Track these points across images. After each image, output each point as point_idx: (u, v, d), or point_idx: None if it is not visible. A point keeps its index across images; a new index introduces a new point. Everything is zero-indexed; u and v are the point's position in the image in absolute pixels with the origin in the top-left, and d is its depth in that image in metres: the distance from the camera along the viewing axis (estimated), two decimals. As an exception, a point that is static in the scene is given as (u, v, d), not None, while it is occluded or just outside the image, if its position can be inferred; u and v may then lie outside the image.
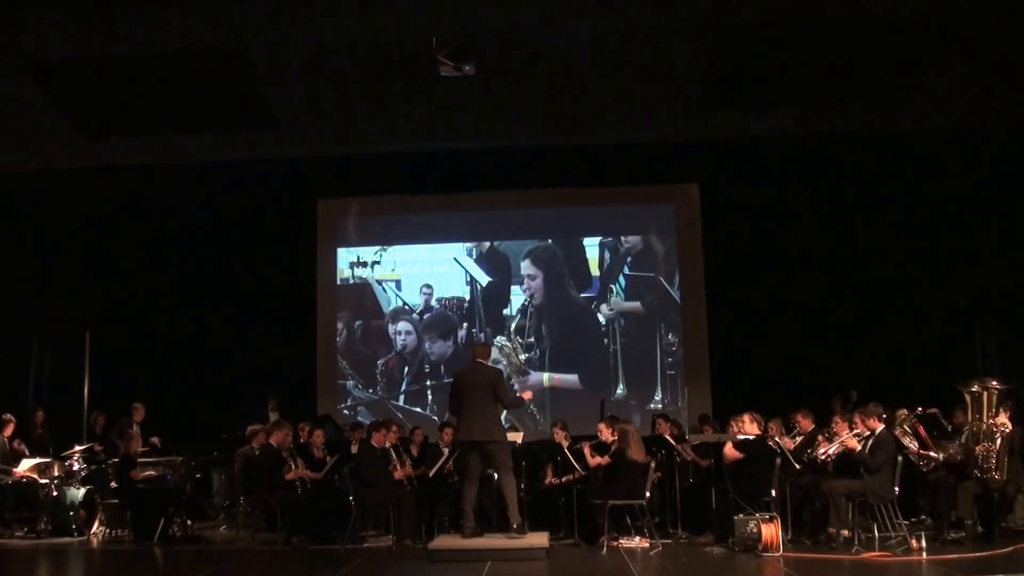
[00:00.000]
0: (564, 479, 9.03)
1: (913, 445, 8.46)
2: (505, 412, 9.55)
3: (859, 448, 7.76)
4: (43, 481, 9.46)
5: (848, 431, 8.00)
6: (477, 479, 8.03)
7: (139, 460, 9.62)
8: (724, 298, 12.20)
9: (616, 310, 12.51)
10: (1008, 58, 9.31)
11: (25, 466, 9.65)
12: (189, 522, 9.31)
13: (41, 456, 9.97)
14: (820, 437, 8.32)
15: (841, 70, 9.48)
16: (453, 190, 12.61)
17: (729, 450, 8.28)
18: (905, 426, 8.50)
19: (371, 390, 12.62)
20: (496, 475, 8.12)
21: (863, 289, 11.88)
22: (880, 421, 7.94)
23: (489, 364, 8.44)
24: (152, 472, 9.59)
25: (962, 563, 6.87)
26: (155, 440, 10.57)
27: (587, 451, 8.70)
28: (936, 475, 8.39)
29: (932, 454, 8.51)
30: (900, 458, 7.90)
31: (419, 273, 12.83)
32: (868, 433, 7.87)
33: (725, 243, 12.28)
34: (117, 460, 9.51)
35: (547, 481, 9.37)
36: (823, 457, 8.06)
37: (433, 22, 8.42)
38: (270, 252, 12.56)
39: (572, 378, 12.43)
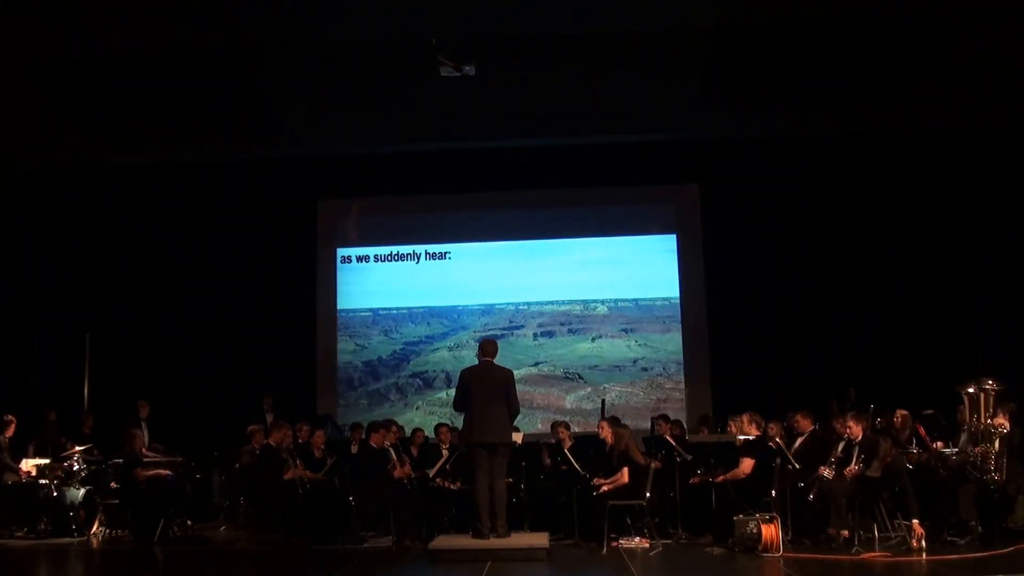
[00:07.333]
0: (564, 467, 9.00)
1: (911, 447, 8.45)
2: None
3: (857, 468, 7.61)
4: (43, 481, 9.45)
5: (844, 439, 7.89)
6: (488, 479, 7.90)
7: (145, 460, 9.61)
8: (724, 298, 12.20)
9: (616, 310, 12.51)
10: (1007, 58, 9.31)
11: (25, 466, 9.65)
12: (189, 522, 9.31)
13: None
14: (824, 468, 7.95)
15: (840, 70, 9.49)
16: (453, 190, 12.61)
17: (745, 465, 8.21)
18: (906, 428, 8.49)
19: (371, 390, 12.62)
20: (492, 476, 8.07)
21: (863, 289, 11.89)
22: (857, 426, 7.85)
23: (496, 363, 8.26)
24: (156, 471, 9.57)
25: (962, 563, 6.87)
26: (152, 454, 10.49)
27: (604, 486, 8.47)
28: (936, 476, 8.38)
29: (930, 454, 8.52)
30: (902, 458, 7.89)
31: (420, 274, 12.84)
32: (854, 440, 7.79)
33: (725, 243, 12.28)
34: (121, 460, 9.50)
35: (546, 463, 9.30)
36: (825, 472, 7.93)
37: (433, 22, 8.42)
38: (270, 253, 12.55)
39: (573, 377, 12.45)
